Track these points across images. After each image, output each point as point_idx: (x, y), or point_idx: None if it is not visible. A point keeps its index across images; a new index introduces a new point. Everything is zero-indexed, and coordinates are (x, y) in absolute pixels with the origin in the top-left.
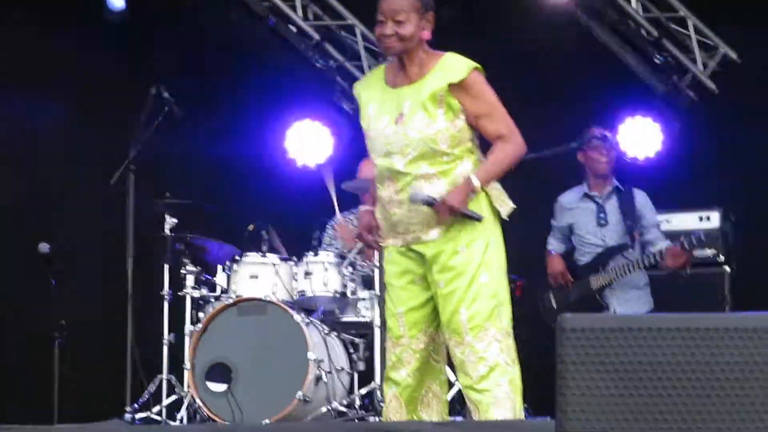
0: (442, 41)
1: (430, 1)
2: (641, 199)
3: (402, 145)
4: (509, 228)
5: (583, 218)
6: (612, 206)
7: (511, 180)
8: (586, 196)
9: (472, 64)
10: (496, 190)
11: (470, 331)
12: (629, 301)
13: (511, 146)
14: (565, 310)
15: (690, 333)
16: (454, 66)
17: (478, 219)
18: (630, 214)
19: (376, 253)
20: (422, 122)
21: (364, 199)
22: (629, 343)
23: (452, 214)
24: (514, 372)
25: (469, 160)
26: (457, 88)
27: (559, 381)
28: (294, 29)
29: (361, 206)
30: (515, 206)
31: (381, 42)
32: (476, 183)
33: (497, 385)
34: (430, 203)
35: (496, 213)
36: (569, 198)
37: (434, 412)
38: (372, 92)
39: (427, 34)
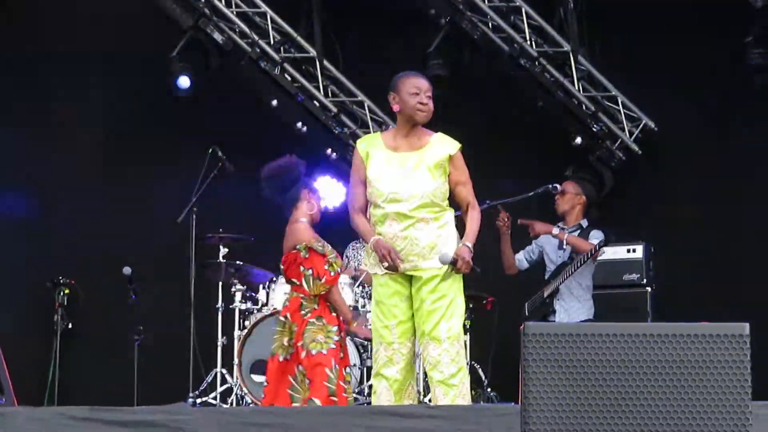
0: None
1: None
2: (594, 233)
3: (408, 195)
4: (488, 259)
5: (551, 244)
6: (571, 236)
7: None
8: (559, 227)
9: (458, 143)
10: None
11: (447, 339)
12: (570, 309)
13: (477, 213)
14: (532, 315)
15: (623, 338)
16: (448, 143)
17: (478, 271)
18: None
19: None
20: (426, 180)
21: (367, 235)
22: (577, 346)
23: (468, 266)
24: (467, 372)
25: (450, 211)
26: (449, 159)
27: (522, 375)
28: (317, 104)
29: (373, 237)
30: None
31: (419, 109)
32: (470, 244)
33: (462, 382)
34: (453, 262)
35: None
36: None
37: (412, 400)
38: (376, 152)
39: None
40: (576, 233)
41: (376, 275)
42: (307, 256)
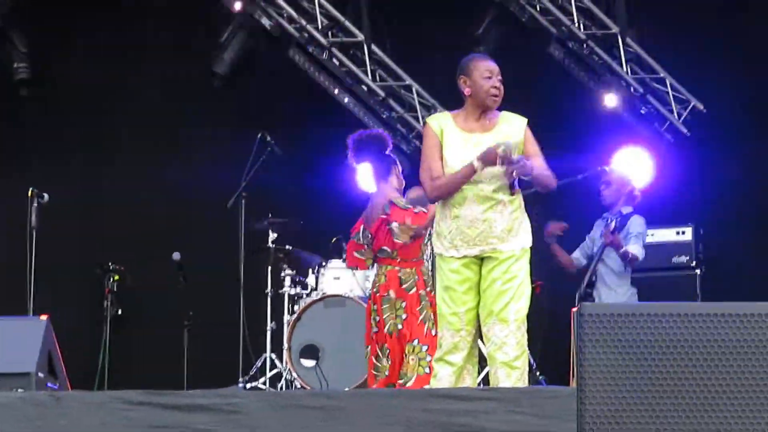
0: None
1: None
2: (634, 220)
3: (490, 176)
4: (535, 244)
5: (597, 232)
6: (613, 225)
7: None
8: (603, 217)
9: (525, 119)
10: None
11: (515, 321)
12: (603, 298)
13: (550, 172)
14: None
15: (679, 317)
16: (518, 121)
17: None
18: (618, 232)
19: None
20: None
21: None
22: (633, 326)
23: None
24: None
25: (520, 194)
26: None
27: (579, 355)
28: (365, 88)
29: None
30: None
31: (493, 94)
32: (529, 163)
33: (524, 365)
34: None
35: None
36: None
37: (470, 383)
38: (449, 131)
39: None
40: (616, 220)
41: (449, 259)
42: (389, 212)
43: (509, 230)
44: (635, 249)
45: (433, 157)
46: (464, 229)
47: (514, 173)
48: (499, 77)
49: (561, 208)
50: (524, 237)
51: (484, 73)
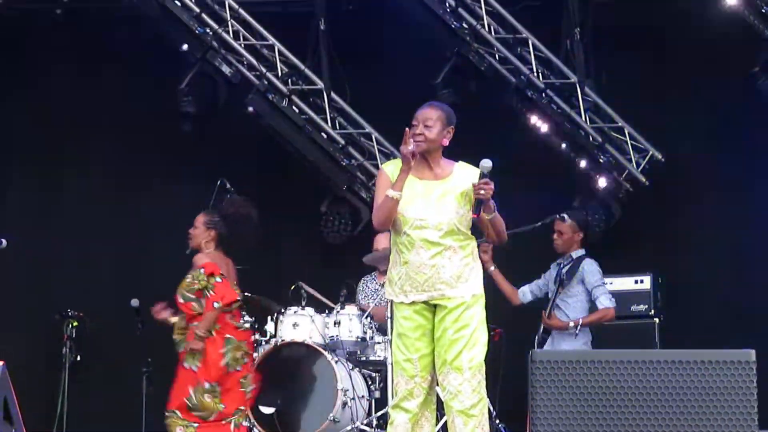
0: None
1: (453, 119)
2: (586, 266)
3: (436, 222)
4: (495, 290)
5: (551, 277)
6: (566, 270)
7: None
8: (557, 262)
9: (479, 170)
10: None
11: (469, 369)
12: (555, 346)
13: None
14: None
15: (629, 364)
16: (470, 172)
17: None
18: (570, 277)
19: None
20: (452, 209)
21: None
22: (584, 372)
23: (486, 194)
24: (486, 402)
25: (473, 240)
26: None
27: (530, 401)
28: (324, 135)
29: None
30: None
31: (413, 140)
32: (494, 209)
33: (482, 413)
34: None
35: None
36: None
37: (429, 429)
38: None
39: (446, 142)
40: (567, 266)
41: (400, 305)
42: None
43: (458, 276)
44: (605, 302)
45: (381, 196)
46: (412, 275)
47: (482, 193)
48: (427, 123)
49: (516, 251)
50: (475, 283)
51: (413, 121)
